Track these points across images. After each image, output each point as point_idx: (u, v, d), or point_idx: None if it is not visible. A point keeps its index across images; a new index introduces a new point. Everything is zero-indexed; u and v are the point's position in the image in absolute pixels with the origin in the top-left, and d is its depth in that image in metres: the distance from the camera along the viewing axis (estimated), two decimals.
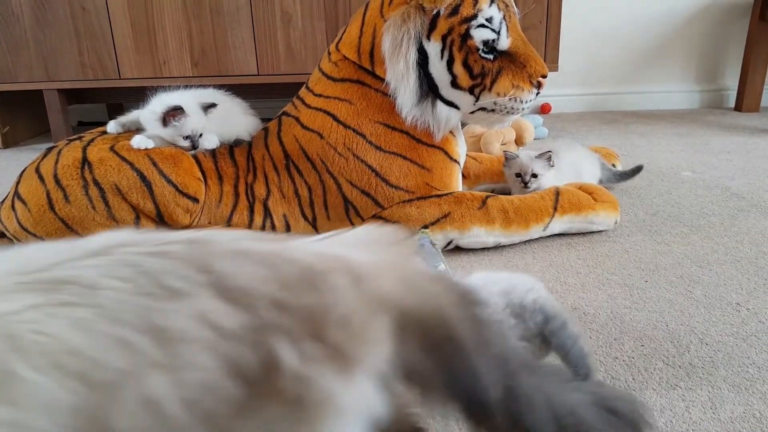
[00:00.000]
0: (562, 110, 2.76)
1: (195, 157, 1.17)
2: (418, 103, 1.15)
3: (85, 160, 1.03)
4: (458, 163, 1.26)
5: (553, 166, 1.32)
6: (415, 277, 0.49)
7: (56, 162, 1.04)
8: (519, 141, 1.91)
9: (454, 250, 1.19)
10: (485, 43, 1.13)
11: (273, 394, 0.39)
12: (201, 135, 1.15)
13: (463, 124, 1.84)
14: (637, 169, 1.54)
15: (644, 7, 2.64)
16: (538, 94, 1.19)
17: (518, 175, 1.32)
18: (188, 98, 1.14)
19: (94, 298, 0.38)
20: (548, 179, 1.31)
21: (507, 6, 1.16)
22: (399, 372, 0.44)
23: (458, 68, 1.14)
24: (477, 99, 1.17)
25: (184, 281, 0.40)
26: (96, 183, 1.02)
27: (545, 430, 0.45)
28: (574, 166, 1.40)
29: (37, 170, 1.04)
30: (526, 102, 1.19)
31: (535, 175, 1.30)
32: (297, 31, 2.12)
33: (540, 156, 1.31)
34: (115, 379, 0.36)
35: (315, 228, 1.23)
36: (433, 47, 1.13)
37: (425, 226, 1.14)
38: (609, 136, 2.22)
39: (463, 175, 1.45)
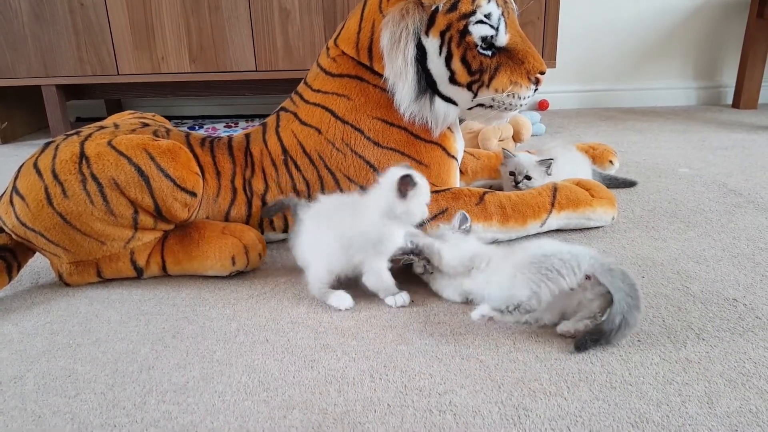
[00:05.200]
0: (559, 107, 2.76)
1: (193, 151, 1.17)
2: (417, 99, 1.15)
3: (82, 155, 1.03)
4: (456, 159, 1.26)
5: (550, 174, 1.34)
6: None
7: (54, 157, 1.03)
8: (517, 137, 1.91)
9: None
10: (483, 39, 1.13)
11: None
12: None
13: (461, 121, 1.84)
14: (630, 183, 1.55)
15: (642, 3, 2.64)
16: (536, 90, 1.19)
17: (512, 173, 1.33)
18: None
19: None
20: (539, 181, 1.33)
21: (505, 2, 1.16)
22: None
23: (456, 64, 1.14)
24: (475, 95, 1.17)
25: None
26: (94, 178, 1.02)
27: None
28: (571, 168, 1.41)
29: (35, 165, 1.04)
30: (524, 98, 1.19)
31: (528, 177, 1.32)
32: (295, 26, 2.12)
33: (542, 162, 1.32)
34: None
35: None
36: (431, 43, 1.13)
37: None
38: (606, 132, 2.22)
39: (460, 171, 1.45)
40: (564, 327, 0.86)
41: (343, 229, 0.96)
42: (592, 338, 0.82)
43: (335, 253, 0.96)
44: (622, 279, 0.81)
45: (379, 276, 0.96)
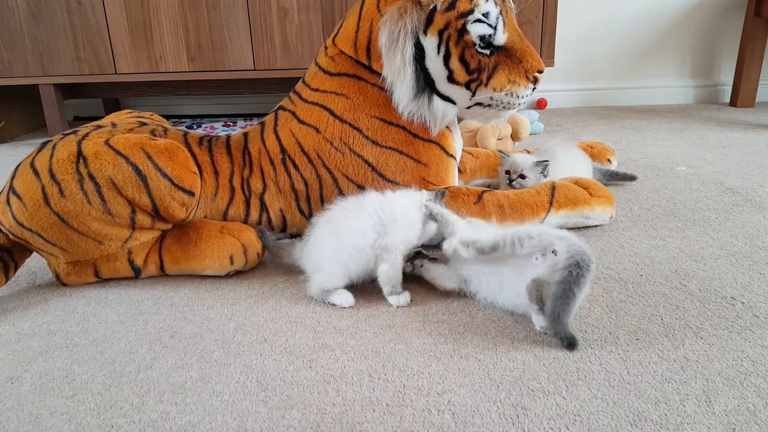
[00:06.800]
0: (557, 105, 2.76)
1: (190, 150, 1.17)
2: (415, 98, 1.15)
3: (80, 155, 1.03)
4: (454, 158, 1.26)
5: (546, 177, 1.34)
6: None
7: (51, 156, 1.03)
8: (515, 136, 1.91)
9: None
10: (482, 38, 1.13)
11: None
12: None
13: (460, 119, 1.84)
14: (630, 177, 1.55)
15: (640, 2, 2.64)
16: (534, 89, 1.19)
17: (507, 172, 1.34)
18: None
19: None
20: (534, 182, 1.33)
21: (503, 1, 1.16)
22: None
23: (455, 63, 1.14)
24: (473, 94, 1.17)
25: None
26: (91, 177, 1.01)
27: None
28: (570, 166, 1.41)
29: (32, 165, 1.03)
30: (523, 97, 1.19)
31: (522, 177, 1.32)
32: (293, 25, 2.11)
33: (538, 164, 1.33)
34: None
35: None
36: (429, 42, 1.13)
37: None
38: (604, 131, 2.22)
39: (459, 170, 1.45)
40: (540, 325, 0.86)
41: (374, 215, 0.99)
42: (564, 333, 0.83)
43: (354, 255, 0.98)
44: (568, 265, 0.83)
45: (395, 268, 0.97)
